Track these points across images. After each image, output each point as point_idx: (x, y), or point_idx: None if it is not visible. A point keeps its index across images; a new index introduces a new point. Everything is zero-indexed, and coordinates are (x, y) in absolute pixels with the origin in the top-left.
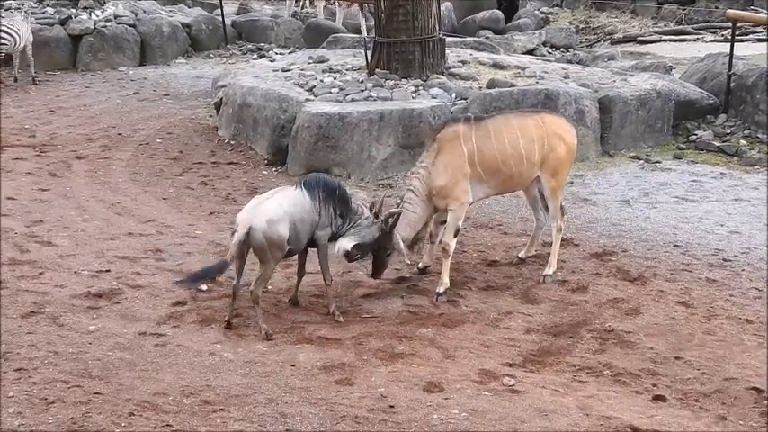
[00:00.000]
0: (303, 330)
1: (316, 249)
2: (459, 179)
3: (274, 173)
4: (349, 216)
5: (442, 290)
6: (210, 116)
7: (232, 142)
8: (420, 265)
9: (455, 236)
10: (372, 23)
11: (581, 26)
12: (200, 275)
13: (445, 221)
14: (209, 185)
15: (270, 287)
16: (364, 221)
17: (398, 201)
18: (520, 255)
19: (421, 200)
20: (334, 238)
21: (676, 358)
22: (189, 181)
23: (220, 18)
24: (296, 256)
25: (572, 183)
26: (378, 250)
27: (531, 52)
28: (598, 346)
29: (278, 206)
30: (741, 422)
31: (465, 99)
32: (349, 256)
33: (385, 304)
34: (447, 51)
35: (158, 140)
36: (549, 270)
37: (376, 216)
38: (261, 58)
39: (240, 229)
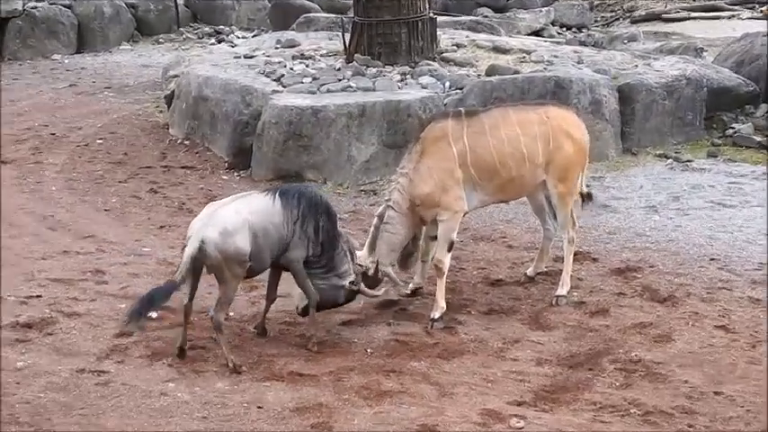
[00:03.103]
0: (272, 365)
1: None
2: (450, 185)
3: (236, 178)
4: (330, 254)
5: (437, 315)
6: (160, 112)
7: (186, 142)
8: (410, 286)
9: (449, 251)
10: None
11: (596, 2)
12: (146, 302)
13: (437, 236)
14: (159, 194)
15: (231, 314)
16: (341, 270)
17: (376, 220)
18: (528, 272)
19: (403, 215)
20: (306, 263)
21: (716, 393)
22: (135, 189)
23: None
24: (265, 276)
25: (588, 186)
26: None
27: (537, 33)
28: (623, 380)
29: (235, 214)
30: None
31: (461, 89)
32: (301, 312)
33: (369, 333)
34: (439, 33)
35: (99, 141)
36: (563, 290)
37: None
38: (220, 42)
39: (191, 243)
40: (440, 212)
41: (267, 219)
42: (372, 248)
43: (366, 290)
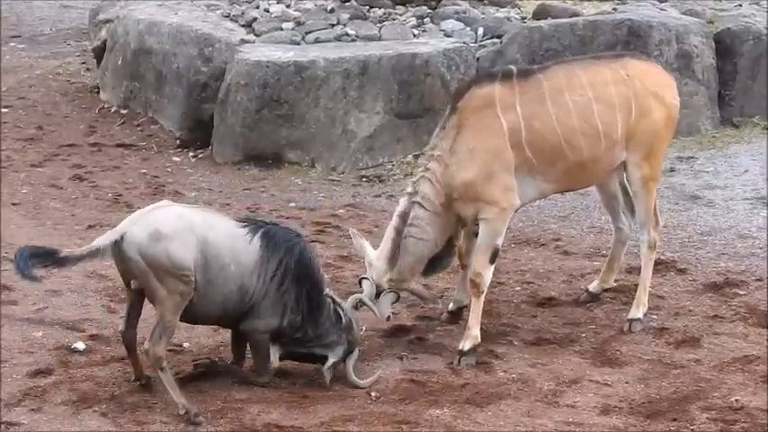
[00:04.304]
0: (241, 413)
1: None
2: (497, 171)
3: (191, 159)
4: (312, 320)
5: (467, 346)
6: (88, 70)
7: (123, 112)
8: (450, 306)
9: (492, 261)
10: None
11: None
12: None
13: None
14: (86, 181)
15: (186, 345)
16: (327, 341)
17: (396, 220)
18: (590, 287)
19: (435, 214)
20: (277, 334)
21: None
22: (54, 174)
23: None
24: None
25: (673, 169)
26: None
27: None
28: None
29: (177, 218)
30: None
31: (498, 38)
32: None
33: (374, 370)
34: None
35: (4, 110)
36: (638, 312)
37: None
38: None
39: (107, 234)
40: (481, 208)
41: (230, 250)
42: (392, 260)
43: (351, 375)
